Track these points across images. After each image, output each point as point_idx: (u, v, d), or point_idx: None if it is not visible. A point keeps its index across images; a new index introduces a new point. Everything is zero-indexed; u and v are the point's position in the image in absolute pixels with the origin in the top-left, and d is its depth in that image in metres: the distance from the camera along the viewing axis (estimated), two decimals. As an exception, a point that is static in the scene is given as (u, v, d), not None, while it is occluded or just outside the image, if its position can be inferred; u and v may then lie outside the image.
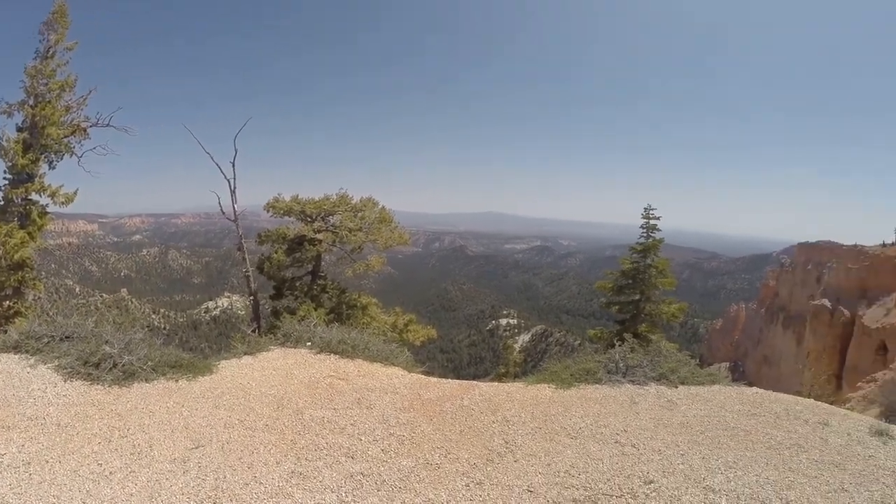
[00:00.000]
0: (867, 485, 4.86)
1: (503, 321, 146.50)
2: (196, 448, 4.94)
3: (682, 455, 5.02)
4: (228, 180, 17.60)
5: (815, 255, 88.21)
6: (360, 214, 18.14)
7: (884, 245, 78.97)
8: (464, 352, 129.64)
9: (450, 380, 7.56)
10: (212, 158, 17.62)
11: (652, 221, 15.79)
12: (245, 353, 8.20)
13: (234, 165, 17.64)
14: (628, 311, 15.53)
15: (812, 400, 7.51)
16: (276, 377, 6.96)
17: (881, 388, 23.40)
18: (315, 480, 4.54)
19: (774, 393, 7.63)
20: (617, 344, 8.76)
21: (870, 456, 5.47)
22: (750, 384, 8.18)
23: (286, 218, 18.71)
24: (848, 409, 10.99)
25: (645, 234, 15.78)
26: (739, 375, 71.53)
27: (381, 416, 5.64)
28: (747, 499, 4.31)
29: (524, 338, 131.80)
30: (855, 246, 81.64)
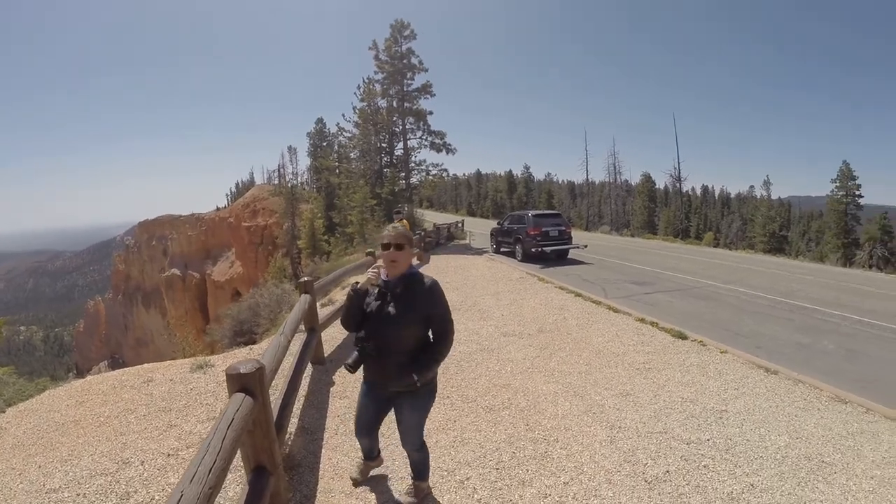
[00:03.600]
0: (193, 410, 5.51)
1: None
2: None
3: (20, 474, 4.47)
4: None
5: (157, 230, 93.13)
6: None
7: (217, 209, 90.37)
8: None
9: None
10: None
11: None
12: None
13: None
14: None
15: (140, 365, 7.88)
16: None
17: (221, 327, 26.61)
18: None
19: (102, 375, 7.70)
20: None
21: (191, 388, 6.22)
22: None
23: None
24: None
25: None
26: (122, 367, 70.09)
27: None
28: (87, 478, 4.27)
29: None
30: (192, 214, 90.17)
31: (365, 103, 32.02)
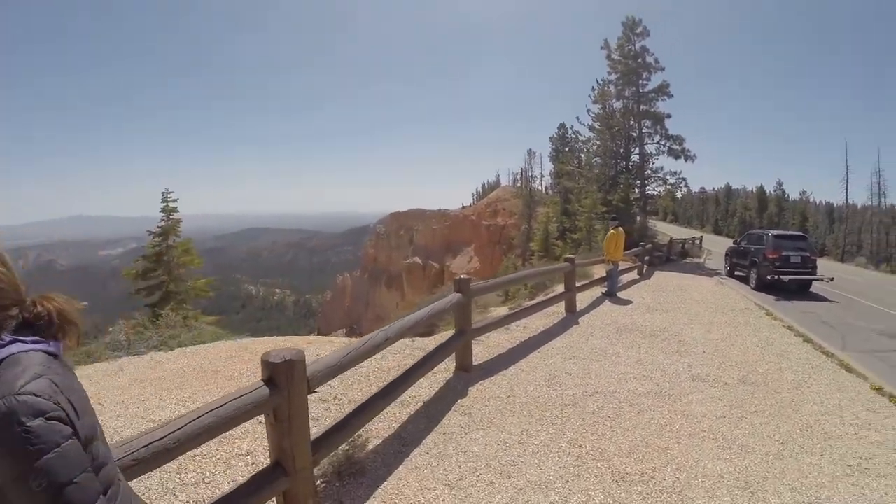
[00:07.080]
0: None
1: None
2: None
3: (143, 401, 5.18)
4: None
5: (406, 221, 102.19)
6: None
7: (462, 207, 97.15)
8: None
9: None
10: None
11: (171, 204, 16.46)
12: None
13: None
14: (157, 293, 15.78)
15: (307, 337, 8.43)
16: None
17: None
18: None
19: (269, 338, 8.48)
20: (120, 324, 9.02)
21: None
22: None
23: None
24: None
25: (165, 217, 16.26)
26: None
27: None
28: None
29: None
30: (439, 210, 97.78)
31: (599, 105, 31.07)
